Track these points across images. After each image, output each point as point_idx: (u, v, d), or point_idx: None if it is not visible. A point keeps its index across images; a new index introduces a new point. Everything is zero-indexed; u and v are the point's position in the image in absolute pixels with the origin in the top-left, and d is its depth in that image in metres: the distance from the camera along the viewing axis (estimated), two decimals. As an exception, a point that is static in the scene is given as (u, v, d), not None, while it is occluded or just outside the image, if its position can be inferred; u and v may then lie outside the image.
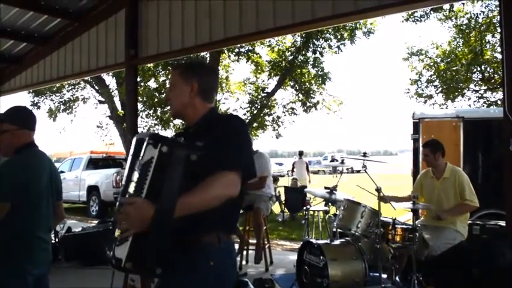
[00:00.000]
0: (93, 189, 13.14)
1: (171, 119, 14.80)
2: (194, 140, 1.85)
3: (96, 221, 10.17)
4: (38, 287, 2.59)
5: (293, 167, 14.79)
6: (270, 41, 13.78)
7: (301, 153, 14.82)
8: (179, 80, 2.02)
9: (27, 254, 2.51)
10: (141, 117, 14.81)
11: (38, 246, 2.56)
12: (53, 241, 6.10)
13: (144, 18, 7.95)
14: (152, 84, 14.92)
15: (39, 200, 2.56)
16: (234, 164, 1.76)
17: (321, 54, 14.15)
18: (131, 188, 1.64)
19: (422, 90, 16.84)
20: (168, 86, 2.16)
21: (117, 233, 1.68)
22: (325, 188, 5.81)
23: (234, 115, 2.12)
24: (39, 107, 18.25)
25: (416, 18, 15.14)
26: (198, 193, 1.67)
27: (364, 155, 4.67)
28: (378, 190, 4.34)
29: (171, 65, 13.54)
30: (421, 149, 7.20)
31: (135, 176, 1.61)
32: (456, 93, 16.05)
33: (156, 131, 16.05)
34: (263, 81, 15.16)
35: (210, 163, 1.69)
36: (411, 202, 4.25)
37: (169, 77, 2.38)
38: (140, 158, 1.60)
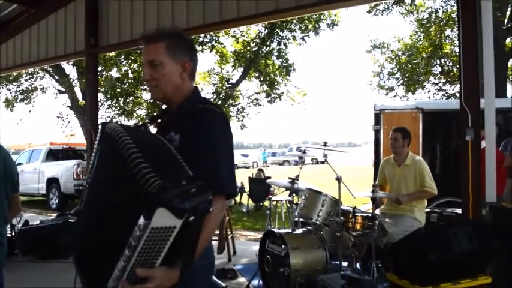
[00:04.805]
0: (53, 182, 12.79)
1: (135, 109, 14.52)
2: (170, 128, 1.68)
3: (55, 214, 9.92)
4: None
5: None
6: (234, 31, 13.70)
7: None
8: (166, 56, 1.70)
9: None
10: (103, 107, 14.47)
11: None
12: (9, 235, 5.90)
13: (104, 7, 7.72)
14: (114, 73, 14.57)
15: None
16: (223, 188, 1.59)
17: (286, 45, 14.22)
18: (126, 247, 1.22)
19: (384, 82, 17.31)
20: (146, 60, 1.73)
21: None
22: (289, 178, 5.82)
23: (215, 110, 1.74)
24: (-5, 97, 17.65)
25: (379, 11, 15.46)
26: (203, 232, 1.43)
27: (325, 144, 4.68)
28: (338, 179, 4.39)
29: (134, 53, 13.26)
30: (382, 136, 7.36)
31: (135, 235, 1.18)
32: (416, 86, 16.56)
33: (119, 122, 15.70)
34: (228, 72, 15.09)
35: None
36: (370, 191, 4.32)
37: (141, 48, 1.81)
38: (145, 219, 1.16)
